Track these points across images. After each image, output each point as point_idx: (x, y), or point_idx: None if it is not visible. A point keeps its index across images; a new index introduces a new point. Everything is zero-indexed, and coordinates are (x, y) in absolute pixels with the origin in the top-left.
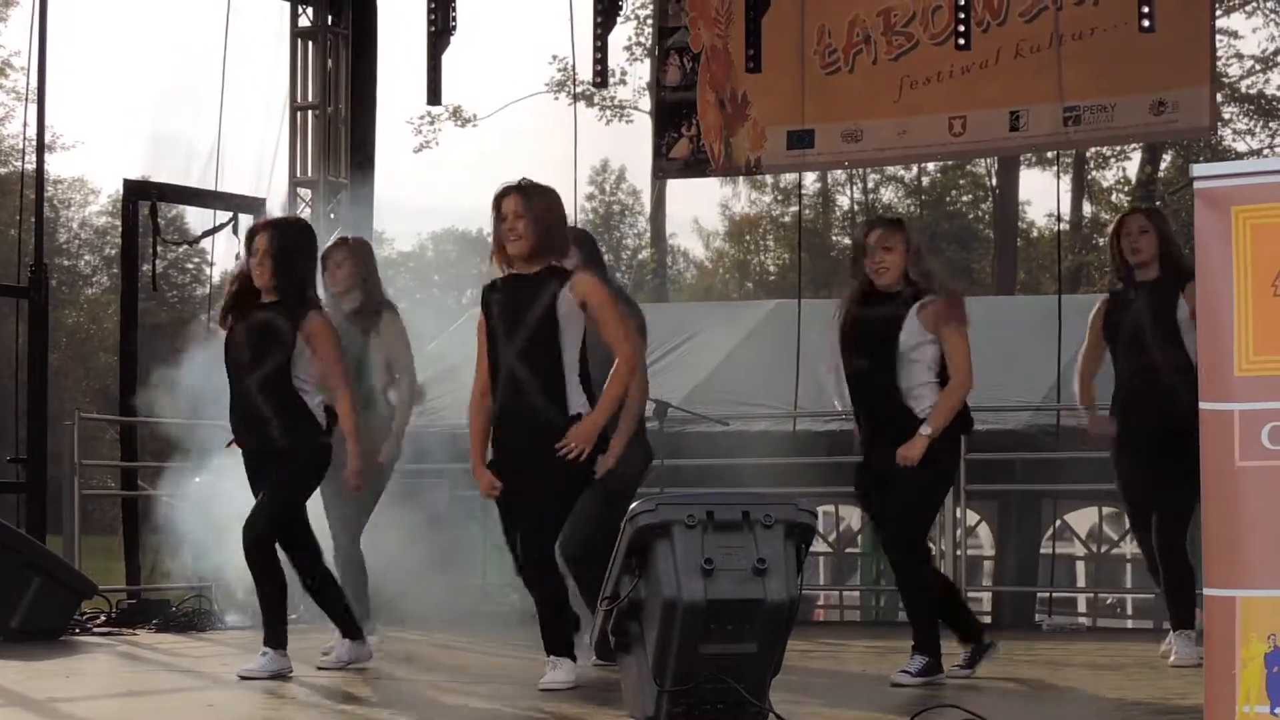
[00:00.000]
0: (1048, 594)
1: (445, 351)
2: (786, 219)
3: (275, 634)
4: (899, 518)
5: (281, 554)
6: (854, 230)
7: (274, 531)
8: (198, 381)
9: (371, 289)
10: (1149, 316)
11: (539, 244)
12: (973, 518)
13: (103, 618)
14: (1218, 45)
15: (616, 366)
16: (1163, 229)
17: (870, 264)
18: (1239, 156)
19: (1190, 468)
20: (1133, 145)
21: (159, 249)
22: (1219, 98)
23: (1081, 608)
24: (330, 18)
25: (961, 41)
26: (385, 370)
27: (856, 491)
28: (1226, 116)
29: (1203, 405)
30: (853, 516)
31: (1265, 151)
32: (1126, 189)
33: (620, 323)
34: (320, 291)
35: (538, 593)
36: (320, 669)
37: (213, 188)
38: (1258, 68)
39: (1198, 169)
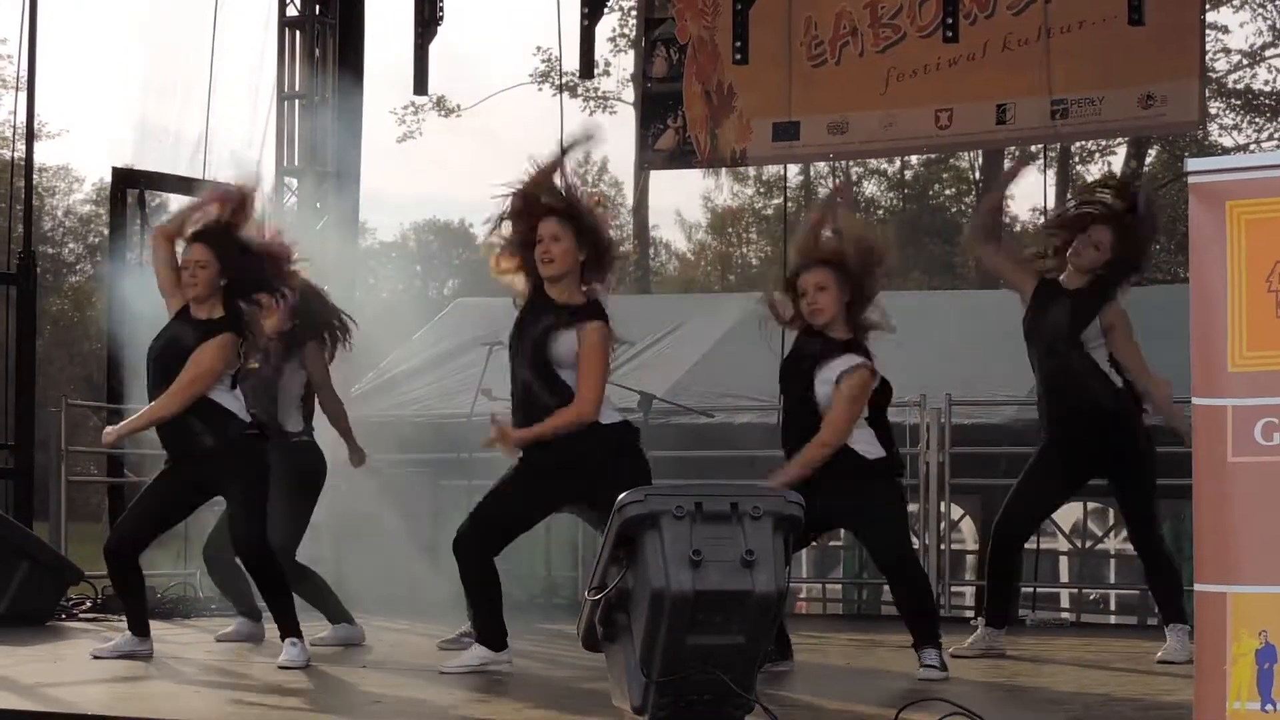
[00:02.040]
0: (1031, 589)
1: (427, 342)
2: (769, 211)
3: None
4: (886, 540)
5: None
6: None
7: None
8: None
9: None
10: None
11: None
12: (956, 512)
13: (88, 603)
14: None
15: (573, 408)
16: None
17: (806, 305)
18: (1226, 152)
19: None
20: (1118, 140)
21: (144, 237)
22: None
23: (1065, 603)
24: (318, 7)
25: (949, 34)
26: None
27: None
28: (1213, 111)
29: (1195, 401)
30: None
31: (1252, 147)
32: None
33: (597, 380)
34: None
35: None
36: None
37: (200, 176)
38: (1245, 62)
39: (1193, 163)
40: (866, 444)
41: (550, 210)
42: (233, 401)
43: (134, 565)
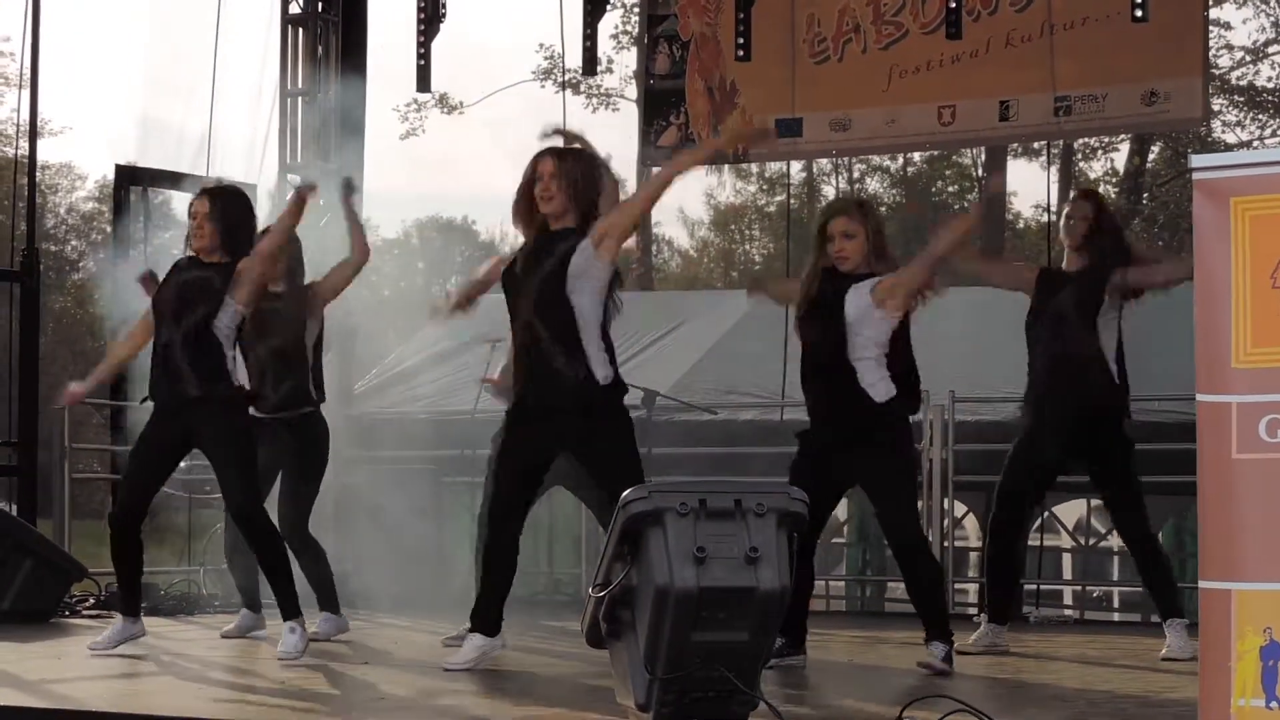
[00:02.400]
0: (1035, 586)
1: (430, 339)
2: (771, 208)
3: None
4: (903, 517)
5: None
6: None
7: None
8: None
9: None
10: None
11: (570, 205)
12: (960, 509)
13: (92, 600)
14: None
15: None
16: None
17: (833, 250)
18: (1229, 148)
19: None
20: (1121, 137)
21: (148, 234)
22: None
23: (1068, 600)
24: (320, 4)
25: (952, 31)
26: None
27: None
28: (1216, 108)
29: (1200, 397)
30: (839, 507)
31: (1255, 143)
32: (1114, 180)
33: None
34: None
35: None
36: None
37: (204, 174)
38: (1248, 59)
39: (1197, 159)
40: (879, 382)
41: (546, 151)
42: (230, 361)
43: (135, 535)
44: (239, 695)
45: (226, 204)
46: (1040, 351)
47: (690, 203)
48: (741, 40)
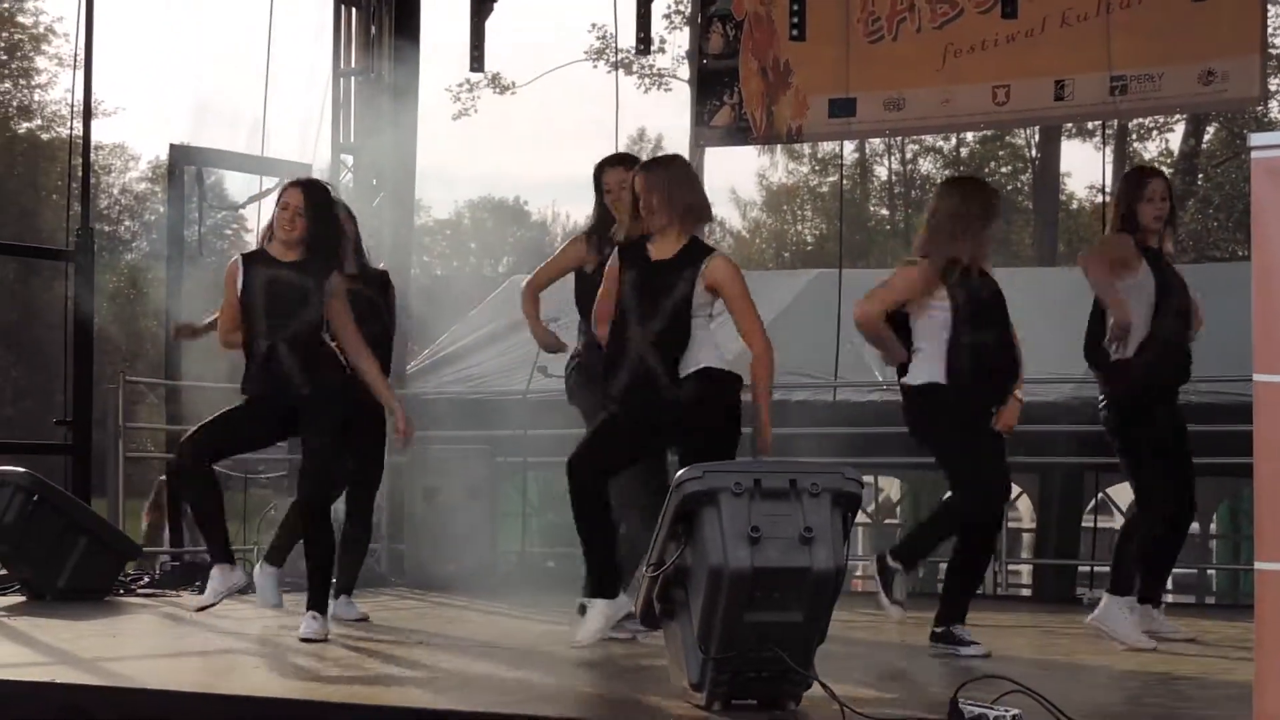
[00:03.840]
0: (1089, 567)
1: (483, 319)
2: (824, 189)
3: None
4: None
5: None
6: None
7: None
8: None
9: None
10: None
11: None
12: (1013, 490)
13: (146, 579)
14: (1268, 13)
15: (758, 358)
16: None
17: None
18: None
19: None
20: (1176, 117)
21: (203, 214)
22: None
23: None
24: None
25: (1008, 9)
26: None
27: None
28: (1274, 88)
29: (1257, 378)
30: (892, 487)
31: None
32: (1169, 161)
33: (755, 315)
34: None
35: None
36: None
37: (258, 153)
38: None
39: (1255, 138)
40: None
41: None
42: (333, 349)
43: (211, 476)
44: (296, 672)
45: (319, 203)
46: (1168, 328)
47: (743, 183)
48: (795, 19)
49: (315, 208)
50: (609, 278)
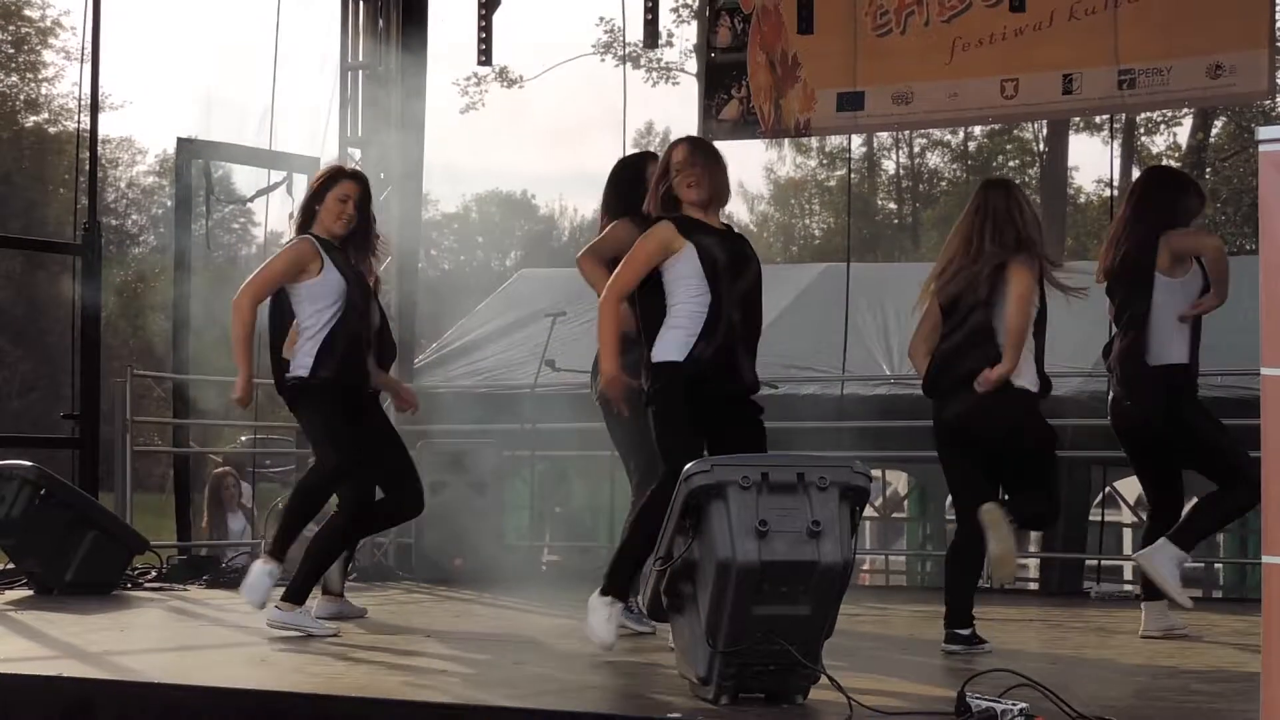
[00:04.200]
0: (1096, 561)
1: (491, 313)
2: (831, 183)
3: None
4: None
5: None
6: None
7: None
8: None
9: None
10: None
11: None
12: None
13: (154, 573)
14: (1276, 7)
15: None
16: None
17: None
18: None
19: None
20: (1184, 111)
21: (210, 207)
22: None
23: (1129, 575)
24: None
25: (1015, 3)
26: None
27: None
28: None
29: (1265, 371)
30: (899, 481)
31: None
32: (1177, 155)
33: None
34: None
35: None
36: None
37: (266, 147)
38: None
39: (1263, 131)
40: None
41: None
42: None
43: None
44: (303, 667)
45: (368, 199)
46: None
47: (750, 177)
48: (803, 13)
49: (365, 200)
50: (653, 251)
